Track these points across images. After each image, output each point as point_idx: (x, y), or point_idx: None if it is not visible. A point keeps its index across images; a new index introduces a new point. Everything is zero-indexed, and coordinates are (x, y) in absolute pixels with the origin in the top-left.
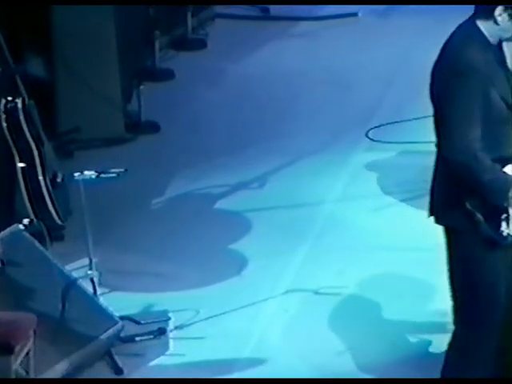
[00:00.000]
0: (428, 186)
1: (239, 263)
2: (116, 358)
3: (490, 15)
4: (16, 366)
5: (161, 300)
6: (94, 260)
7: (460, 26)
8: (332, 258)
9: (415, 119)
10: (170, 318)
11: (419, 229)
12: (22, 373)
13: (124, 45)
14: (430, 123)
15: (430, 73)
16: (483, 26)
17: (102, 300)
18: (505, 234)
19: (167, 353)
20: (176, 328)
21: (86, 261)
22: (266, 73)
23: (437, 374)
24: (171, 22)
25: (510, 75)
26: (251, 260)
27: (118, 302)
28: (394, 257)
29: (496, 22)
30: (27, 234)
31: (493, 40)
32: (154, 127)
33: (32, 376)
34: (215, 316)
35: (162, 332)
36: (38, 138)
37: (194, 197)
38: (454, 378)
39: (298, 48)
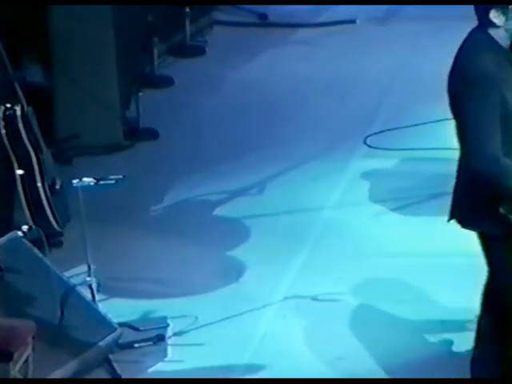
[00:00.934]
0: (426, 192)
1: (238, 270)
2: (114, 364)
3: (488, 21)
4: (15, 372)
5: (159, 306)
6: (92, 267)
7: (470, 34)
8: (330, 264)
9: (414, 126)
10: (168, 325)
11: (418, 235)
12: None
13: (123, 51)
14: (428, 129)
15: (427, 79)
16: (491, 31)
17: (101, 307)
18: None
19: (166, 359)
20: (174, 334)
21: (84, 267)
22: (264, 80)
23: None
24: (170, 29)
25: None
26: (250, 266)
27: (117, 309)
28: (392, 263)
29: (496, 25)
30: (26, 241)
31: (504, 43)
32: (152, 134)
33: None
34: (214, 322)
35: (160, 338)
36: (36, 144)
37: (193, 204)
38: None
39: (296, 55)
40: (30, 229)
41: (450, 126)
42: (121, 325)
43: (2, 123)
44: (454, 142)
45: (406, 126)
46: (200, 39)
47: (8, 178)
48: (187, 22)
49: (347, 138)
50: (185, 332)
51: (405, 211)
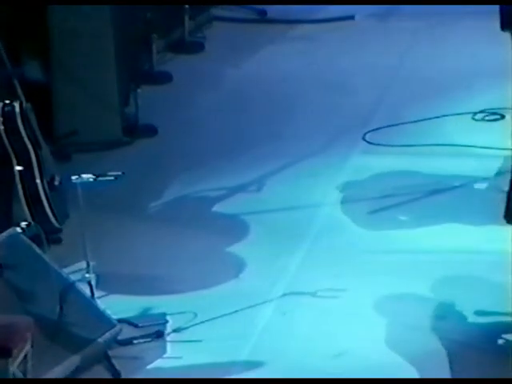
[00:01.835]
0: (425, 189)
1: (237, 266)
2: (113, 360)
3: None
4: (14, 368)
5: (158, 303)
6: (91, 263)
7: None
8: (329, 260)
9: (413, 122)
10: (167, 321)
11: (416, 232)
12: (20, 375)
13: (122, 48)
14: (427, 126)
15: (427, 75)
16: None
17: (100, 303)
18: None
19: (164, 356)
20: (174, 331)
21: (83, 264)
22: (263, 76)
23: (435, 375)
24: (169, 25)
25: None
26: (248, 263)
27: (116, 305)
28: (391, 260)
29: None
30: (25, 237)
31: None
32: (151, 130)
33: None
34: (213, 319)
35: (159, 335)
36: (35, 141)
37: (192, 200)
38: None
39: (295, 51)
40: (28, 225)
41: (450, 123)
42: (120, 321)
43: (1, 119)
44: (454, 138)
45: (405, 123)
46: (199, 35)
47: (7, 175)
48: (186, 19)
49: (346, 134)
50: (184, 328)
51: (404, 207)
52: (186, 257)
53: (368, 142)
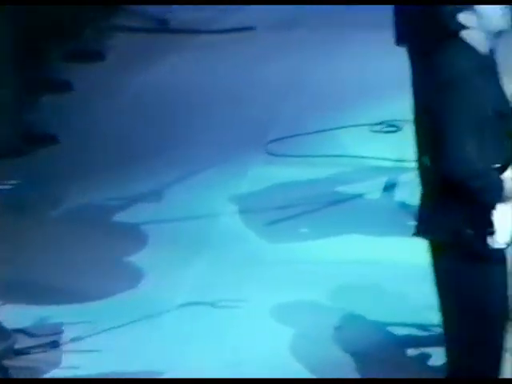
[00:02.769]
0: (325, 199)
1: (135, 276)
2: (9, 370)
3: (458, 25)
4: None
5: (55, 312)
6: None
7: (445, 41)
8: (229, 271)
9: (312, 133)
10: (63, 331)
11: (316, 243)
12: None
13: (21, 55)
14: (325, 137)
15: (327, 87)
16: (466, 37)
17: None
18: (494, 247)
19: (60, 366)
20: (71, 341)
21: None
22: (164, 86)
23: None
24: (70, 33)
25: (500, 82)
26: (147, 272)
27: (11, 315)
28: (291, 270)
29: (468, 27)
30: None
31: (482, 48)
32: (51, 139)
33: None
34: (110, 329)
35: (55, 345)
36: None
37: (91, 209)
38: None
39: (197, 61)
40: None
41: (348, 134)
42: (15, 331)
43: None
44: (353, 149)
45: (305, 134)
46: (99, 44)
47: None
48: (87, 27)
49: (247, 145)
50: (81, 338)
51: (304, 218)
52: (85, 266)
53: (268, 153)
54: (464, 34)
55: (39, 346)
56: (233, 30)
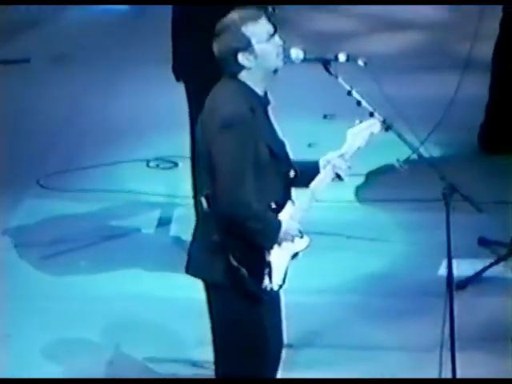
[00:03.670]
0: (101, 233)
1: None
2: None
3: (237, 66)
4: None
5: None
6: None
7: (223, 81)
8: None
9: (88, 168)
10: None
11: (89, 277)
12: None
13: None
14: (102, 172)
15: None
16: (243, 75)
17: None
18: (268, 288)
19: None
20: None
21: None
22: None
23: None
24: None
25: (272, 123)
26: None
27: None
28: (65, 306)
29: (247, 68)
30: None
31: (257, 85)
32: None
33: None
34: None
35: None
36: None
37: None
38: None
39: None
40: None
41: (124, 169)
42: None
43: None
44: (129, 185)
45: (81, 168)
46: None
47: None
48: None
49: (19, 178)
50: None
51: (80, 253)
52: None
53: (42, 186)
54: (242, 74)
55: None
56: (6, 61)
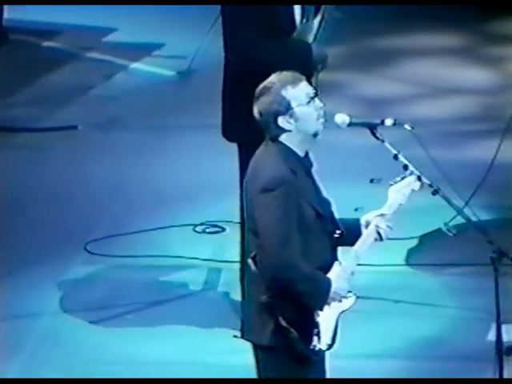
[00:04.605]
0: (144, 300)
1: None
2: None
3: (277, 128)
4: None
5: None
6: None
7: (265, 143)
8: (49, 370)
9: (135, 233)
10: None
11: (139, 343)
12: None
13: None
14: (149, 237)
15: (150, 188)
16: (284, 138)
17: None
18: (317, 348)
19: None
20: None
21: None
22: None
23: None
24: None
25: (316, 183)
26: None
27: None
28: (110, 370)
29: (287, 130)
30: None
31: (298, 148)
32: None
33: None
34: None
35: None
36: None
37: None
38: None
39: (18, 160)
40: None
41: (172, 234)
42: None
43: None
44: (177, 250)
45: (128, 233)
46: None
47: None
48: None
49: (67, 244)
50: None
51: (128, 318)
52: None
53: (89, 252)
54: (283, 136)
55: None
56: (55, 128)
